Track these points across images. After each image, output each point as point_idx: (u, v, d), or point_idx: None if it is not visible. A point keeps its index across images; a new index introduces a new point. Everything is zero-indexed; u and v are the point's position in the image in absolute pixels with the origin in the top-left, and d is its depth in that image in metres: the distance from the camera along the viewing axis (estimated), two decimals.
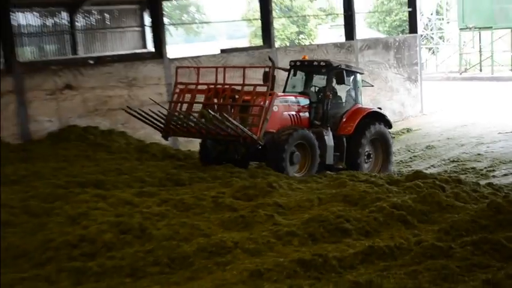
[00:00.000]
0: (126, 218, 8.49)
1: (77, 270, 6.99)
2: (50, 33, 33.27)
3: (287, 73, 16.68)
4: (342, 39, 27.26)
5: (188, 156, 16.32)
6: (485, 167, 16.03)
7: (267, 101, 13.51)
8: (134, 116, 14.81)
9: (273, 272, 6.70)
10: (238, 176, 12.56)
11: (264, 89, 13.97)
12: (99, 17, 35.27)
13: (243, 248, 7.57)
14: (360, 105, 15.91)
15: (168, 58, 22.33)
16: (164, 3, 26.40)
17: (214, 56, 24.14)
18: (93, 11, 34.34)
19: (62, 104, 17.71)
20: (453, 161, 17.13)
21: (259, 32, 27.36)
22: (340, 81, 15.17)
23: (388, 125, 16.15)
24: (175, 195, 10.14)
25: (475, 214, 8.91)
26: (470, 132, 21.34)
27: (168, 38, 25.87)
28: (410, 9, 29.18)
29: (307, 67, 16.40)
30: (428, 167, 16.35)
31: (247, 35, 51.55)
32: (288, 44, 43.29)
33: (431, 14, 42.86)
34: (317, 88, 15.83)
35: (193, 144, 16.87)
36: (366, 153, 15.44)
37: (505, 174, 14.98)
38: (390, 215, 8.96)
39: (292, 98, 15.05)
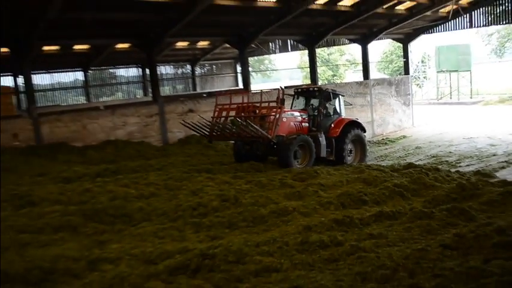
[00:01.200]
0: (226, 191, 8.59)
1: (196, 224, 7.15)
2: (179, 78, 34.12)
3: (293, 96, 16.13)
4: (361, 79, 27.02)
5: None
6: (454, 160, 15.66)
7: (278, 113, 13.18)
8: (188, 127, 14.31)
9: (318, 226, 6.76)
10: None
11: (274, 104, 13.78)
12: (209, 67, 35.88)
13: (299, 211, 7.64)
14: (343, 117, 15.57)
15: (251, 91, 22.61)
16: (250, 59, 26.63)
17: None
18: (206, 64, 34.95)
19: (188, 121, 18.08)
20: (433, 156, 16.72)
21: (309, 75, 27.39)
22: (328, 99, 15.15)
23: (363, 130, 15.66)
24: (256, 178, 10.22)
25: (448, 191, 8.91)
26: (444, 138, 20.91)
27: (251, 80, 26.07)
28: (404, 60, 28.75)
29: (306, 92, 15.95)
30: (417, 160, 15.98)
31: (301, 77, 51.49)
32: (326, 83, 42.96)
33: (418, 62, 42.89)
34: (313, 106, 15.29)
35: None
36: (349, 149, 15.02)
37: (468, 165, 14.65)
38: (393, 191, 8.94)
39: (296, 113, 14.68)
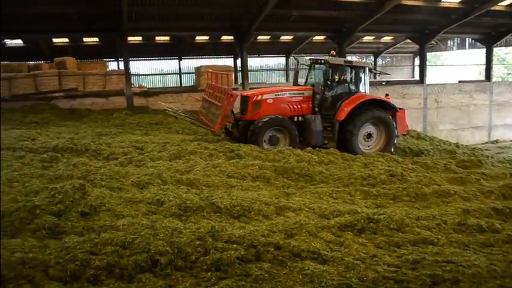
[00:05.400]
0: (393, 168, 8.19)
1: (364, 192, 6.99)
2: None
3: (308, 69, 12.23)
4: None
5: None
6: None
7: (226, 103, 10.04)
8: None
9: (476, 212, 6.12)
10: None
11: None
12: (389, 59, 34.49)
13: (459, 195, 6.98)
14: (361, 94, 10.99)
15: (426, 84, 21.28)
16: (428, 54, 24.91)
17: (453, 84, 22.50)
18: (387, 56, 33.59)
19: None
20: None
21: (483, 73, 24.56)
22: (325, 78, 10.96)
23: (391, 110, 11.08)
24: (421, 160, 9.66)
25: None
26: None
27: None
28: None
29: (317, 64, 11.67)
30: None
31: (475, 75, 46.08)
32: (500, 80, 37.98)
33: None
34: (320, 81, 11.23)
35: None
36: (366, 134, 10.89)
37: None
38: None
39: (292, 92, 10.91)
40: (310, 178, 7.68)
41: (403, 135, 12.12)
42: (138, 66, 26.90)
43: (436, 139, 15.92)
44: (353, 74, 11.24)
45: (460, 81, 23.25)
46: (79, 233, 4.46)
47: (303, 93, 10.99)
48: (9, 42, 20.88)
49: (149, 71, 28.30)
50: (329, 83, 11.12)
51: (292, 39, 25.11)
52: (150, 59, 27.63)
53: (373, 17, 17.61)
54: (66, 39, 21.23)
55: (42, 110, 15.28)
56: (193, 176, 7.03)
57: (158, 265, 3.87)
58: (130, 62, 18.23)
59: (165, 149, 9.44)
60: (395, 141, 11.27)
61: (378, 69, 12.19)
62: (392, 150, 11.11)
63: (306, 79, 12.03)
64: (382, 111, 10.94)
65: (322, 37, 23.85)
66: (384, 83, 21.30)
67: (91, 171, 6.79)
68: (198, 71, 21.51)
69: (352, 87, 11.19)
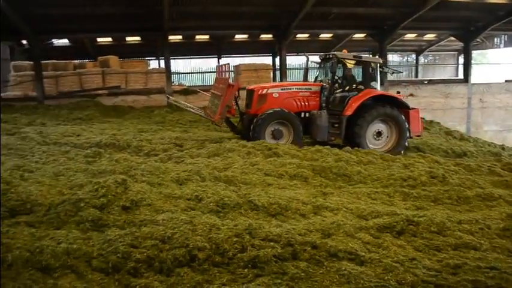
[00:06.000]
0: (435, 169, 7.94)
1: (404, 193, 6.80)
2: (404, 65, 32.74)
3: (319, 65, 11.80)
4: None
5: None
6: None
7: (227, 93, 10.08)
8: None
9: None
10: None
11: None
12: (431, 58, 33.57)
13: (504, 199, 6.63)
14: (372, 90, 10.51)
15: (471, 83, 20.56)
16: (473, 52, 24.07)
17: (500, 83, 21.65)
18: (429, 55, 32.70)
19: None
20: None
21: None
22: (332, 70, 10.45)
23: (402, 107, 10.63)
24: (464, 162, 9.32)
25: None
26: None
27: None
28: None
29: (326, 60, 11.08)
30: None
31: None
32: None
33: None
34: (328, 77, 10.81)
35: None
36: (375, 132, 10.49)
37: None
38: None
39: (299, 87, 10.75)
40: (348, 178, 7.57)
41: (417, 136, 11.49)
42: (178, 64, 27.36)
43: (480, 140, 15.38)
44: (365, 69, 10.81)
45: (506, 81, 22.36)
46: (120, 226, 4.59)
47: (310, 89, 10.79)
48: (56, 41, 21.73)
49: (188, 69, 28.73)
50: (337, 78, 10.81)
51: (332, 37, 24.86)
52: (190, 58, 28.04)
53: (416, 14, 17.19)
54: (109, 39, 21.87)
55: (87, 107, 15.82)
56: (231, 173, 7.09)
57: (196, 260, 3.93)
58: (171, 60, 18.55)
59: (204, 146, 9.57)
60: (406, 142, 10.72)
61: (386, 66, 11.31)
62: (402, 151, 10.57)
63: (316, 76, 11.76)
64: (392, 109, 10.47)
65: (362, 35, 23.50)
66: (426, 82, 20.76)
67: (132, 166, 6.96)
68: (237, 69, 21.66)
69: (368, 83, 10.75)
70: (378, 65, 10.95)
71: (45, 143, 9.97)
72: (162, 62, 22.54)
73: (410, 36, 25.54)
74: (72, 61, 20.80)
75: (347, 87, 10.71)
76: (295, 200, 5.86)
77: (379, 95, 10.56)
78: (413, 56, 31.88)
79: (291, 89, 10.71)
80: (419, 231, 5.02)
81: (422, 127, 11.52)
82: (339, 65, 10.63)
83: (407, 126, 10.58)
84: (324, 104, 10.64)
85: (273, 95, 10.47)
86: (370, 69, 10.78)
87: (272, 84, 11.36)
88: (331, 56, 10.78)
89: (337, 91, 10.74)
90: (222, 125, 10.82)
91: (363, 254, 4.30)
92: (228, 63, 11.68)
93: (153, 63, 25.60)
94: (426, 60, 33.43)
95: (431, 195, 6.77)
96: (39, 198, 5.09)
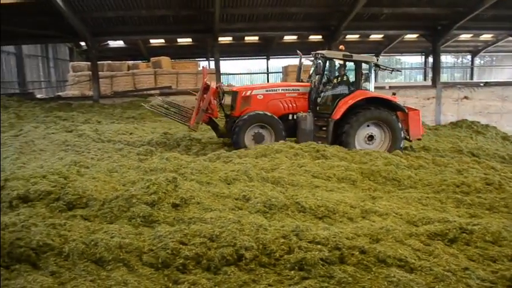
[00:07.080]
0: (491, 176, 7.53)
1: (457, 200, 6.47)
2: (458, 67, 31.52)
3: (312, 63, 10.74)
4: None
5: None
6: None
7: (202, 98, 9.70)
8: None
9: None
10: None
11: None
12: (488, 59, 32.10)
13: None
14: (364, 91, 9.80)
15: None
16: None
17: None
18: (486, 56, 31.30)
19: (460, 107, 16.69)
20: None
21: None
22: (318, 72, 9.71)
23: (395, 109, 9.86)
24: None
25: None
26: None
27: None
28: None
29: (317, 59, 10.13)
30: None
31: None
32: None
33: None
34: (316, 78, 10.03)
35: None
36: (367, 136, 9.76)
37: None
38: None
39: (287, 87, 10.17)
40: (398, 182, 7.37)
41: (418, 139, 10.80)
42: (227, 65, 27.70)
43: None
44: (357, 70, 10.01)
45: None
46: (170, 223, 4.70)
47: (298, 90, 10.23)
48: (112, 43, 22.60)
49: (238, 70, 29.02)
50: (325, 78, 10.20)
51: (383, 37, 24.33)
52: (239, 59, 28.30)
53: (472, 13, 16.50)
54: (162, 40, 22.48)
55: (139, 106, 16.31)
56: (278, 174, 7.08)
57: (243, 259, 3.96)
58: (221, 61, 18.81)
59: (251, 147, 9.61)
60: (401, 145, 9.90)
61: (380, 66, 10.38)
62: None
63: (310, 75, 10.86)
64: (384, 111, 9.75)
65: (414, 36, 22.84)
66: (482, 84, 19.85)
67: (182, 165, 7.11)
68: (286, 70, 21.63)
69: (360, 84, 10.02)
70: (372, 64, 10.29)
71: (101, 141, 10.39)
72: (212, 63, 22.89)
73: (465, 36, 24.55)
74: (126, 62, 21.56)
75: (337, 89, 10.13)
76: (343, 203, 5.77)
77: (372, 98, 9.88)
78: (469, 57, 30.59)
79: (276, 90, 10.20)
80: (473, 240, 4.80)
81: (423, 129, 10.88)
82: (327, 63, 10.07)
83: (401, 129, 9.88)
84: (311, 106, 10.12)
85: (257, 96, 10.04)
86: (368, 69, 10.19)
87: (257, 85, 10.87)
88: (318, 55, 10.15)
89: (327, 92, 10.12)
90: (197, 129, 10.52)
91: (413, 261, 4.17)
92: (205, 66, 10.97)
93: (203, 64, 26.07)
94: (482, 62, 31.98)
95: (486, 202, 6.46)
96: (94, 193, 5.31)
